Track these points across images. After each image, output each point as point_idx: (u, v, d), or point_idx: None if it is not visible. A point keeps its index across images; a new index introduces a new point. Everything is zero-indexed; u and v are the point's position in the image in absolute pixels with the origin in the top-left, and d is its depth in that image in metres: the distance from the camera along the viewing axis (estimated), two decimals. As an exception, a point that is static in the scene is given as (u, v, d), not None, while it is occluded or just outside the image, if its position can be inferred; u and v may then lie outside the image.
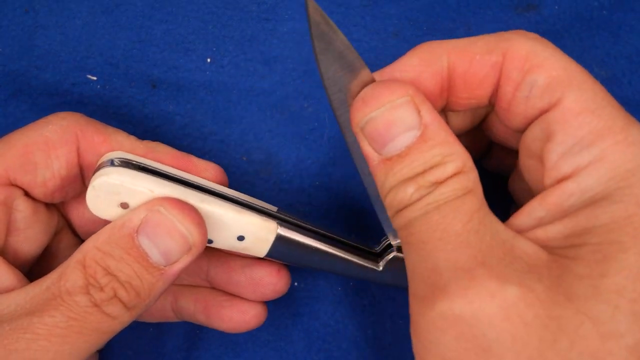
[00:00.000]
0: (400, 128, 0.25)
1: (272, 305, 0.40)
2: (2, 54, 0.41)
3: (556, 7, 0.43)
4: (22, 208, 0.31)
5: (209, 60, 0.42)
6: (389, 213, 0.27)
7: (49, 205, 0.33)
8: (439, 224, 0.24)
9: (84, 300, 0.27)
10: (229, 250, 0.33)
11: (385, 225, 0.33)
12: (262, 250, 0.32)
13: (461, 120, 0.32)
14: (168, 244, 0.28)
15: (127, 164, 0.30)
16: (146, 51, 0.42)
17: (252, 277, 0.35)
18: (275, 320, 0.40)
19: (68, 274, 0.27)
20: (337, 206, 0.42)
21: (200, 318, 0.36)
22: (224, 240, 0.31)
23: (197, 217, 0.29)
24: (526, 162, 0.29)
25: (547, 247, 0.24)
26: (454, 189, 0.25)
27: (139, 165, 0.31)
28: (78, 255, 0.28)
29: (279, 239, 0.32)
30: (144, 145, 0.33)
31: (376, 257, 0.35)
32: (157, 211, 0.28)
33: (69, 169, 0.31)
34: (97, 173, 0.30)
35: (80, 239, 0.36)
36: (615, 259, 0.22)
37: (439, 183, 0.25)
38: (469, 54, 0.28)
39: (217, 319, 0.35)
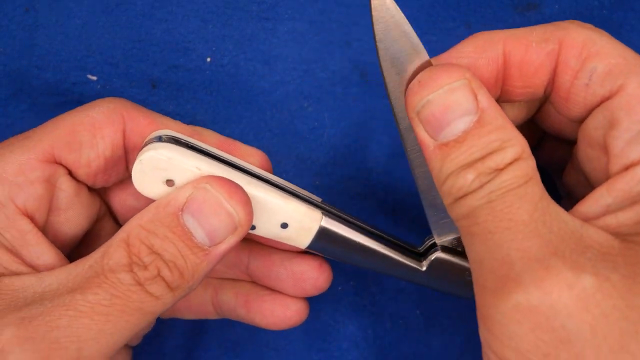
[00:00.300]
0: (457, 112, 0.25)
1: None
2: (2, 54, 0.41)
3: (556, 6, 0.43)
4: (65, 187, 0.31)
5: (209, 59, 0.42)
6: (447, 201, 0.26)
7: (91, 190, 0.33)
8: (506, 213, 0.24)
9: (127, 279, 0.27)
10: (271, 239, 0.32)
11: (432, 222, 0.32)
12: (305, 240, 0.32)
13: (515, 113, 0.32)
14: (213, 223, 0.28)
15: (176, 141, 0.30)
16: (146, 51, 0.42)
17: (293, 270, 0.34)
18: (275, 320, 0.40)
19: (111, 252, 0.27)
20: (337, 206, 0.42)
21: (241, 312, 0.35)
22: (267, 227, 0.31)
23: (244, 196, 0.28)
24: (587, 152, 0.28)
25: (618, 235, 0.24)
26: (516, 176, 0.24)
27: (187, 144, 0.30)
28: (122, 234, 0.28)
29: (322, 229, 0.31)
30: (190, 128, 0.32)
31: (419, 256, 0.34)
32: (203, 189, 0.28)
33: (113, 150, 0.31)
34: (145, 148, 0.29)
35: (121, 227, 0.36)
36: None
37: (499, 170, 0.24)
38: (525, 42, 0.28)
39: (258, 313, 0.35)
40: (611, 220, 0.25)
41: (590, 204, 0.25)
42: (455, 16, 0.43)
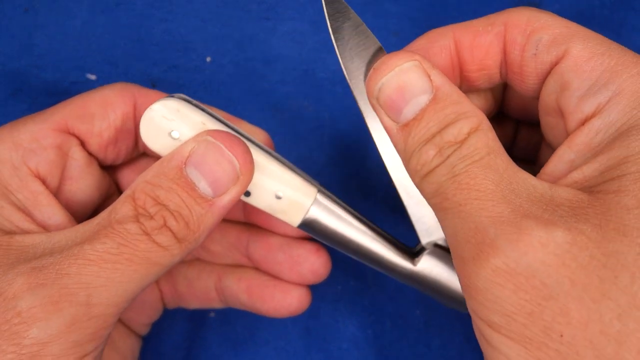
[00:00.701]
0: (412, 92, 0.26)
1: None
2: (1, 53, 0.41)
3: (557, 5, 0.43)
4: (78, 157, 0.32)
5: (208, 59, 0.42)
6: (415, 181, 0.27)
7: (102, 168, 0.34)
8: (472, 185, 0.25)
9: (134, 228, 0.27)
10: (266, 214, 0.33)
11: (417, 223, 0.33)
12: (298, 215, 0.32)
13: (482, 102, 0.33)
14: (216, 172, 0.28)
15: (186, 100, 0.31)
16: (146, 50, 0.42)
17: (290, 254, 0.35)
18: (274, 320, 0.40)
19: (118, 208, 0.28)
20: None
21: (243, 298, 0.36)
22: (262, 195, 0.31)
23: (243, 146, 0.29)
24: (547, 121, 0.29)
25: (586, 188, 0.25)
26: (476, 147, 0.25)
27: (197, 105, 0.31)
28: (128, 191, 0.29)
29: (316, 205, 0.32)
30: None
31: (411, 255, 0.34)
32: (204, 140, 0.29)
33: (124, 121, 0.32)
34: (157, 102, 0.30)
35: None
36: None
37: (459, 142, 0.25)
38: (472, 29, 0.29)
39: (259, 298, 0.36)
40: (577, 175, 0.25)
41: (555, 163, 0.26)
42: (455, 16, 0.43)
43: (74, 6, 0.42)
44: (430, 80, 0.26)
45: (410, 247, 0.34)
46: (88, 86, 0.41)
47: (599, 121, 0.25)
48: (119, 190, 0.36)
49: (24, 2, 0.42)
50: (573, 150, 0.26)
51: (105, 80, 0.41)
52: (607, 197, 0.23)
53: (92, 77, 0.41)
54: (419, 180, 0.27)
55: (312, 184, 0.32)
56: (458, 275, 0.26)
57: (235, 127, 0.32)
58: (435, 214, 0.27)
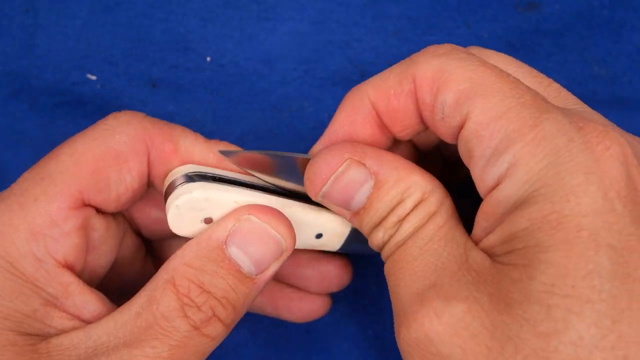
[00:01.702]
0: (353, 188, 0.27)
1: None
2: (2, 54, 0.41)
3: (557, 5, 0.43)
4: (98, 227, 0.30)
5: (208, 59, 0.42)
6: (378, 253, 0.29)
7: (115, 214, 0.32)
8: (401, 258, 0.26)
9: (183, 325, 0.26)
10: (304, 248, 0.32)
11: None
12: (337, 244, 0.32)
13: (423, 140, 0.33)
14: (261, 251, 0.28)
15: (204, 177, 0.29)
16: (146, 50, 0.42)
17: (320, 270, 0.35)
18: (275, 321, 0.40)
19: (159, 297, 0.26)
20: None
21: (268, 310, 0.36)
22: (304, 240, 0.31)
23: (286, 220, 0.29)
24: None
25: (492, 255, 0.25)
26: (417, 219, 0.26)
27: (216, 177, 0.30)
28: (164, 275, 0.27)
29: (353, 231, 0.32)
30: (214, 152, 0.31)
31: None
32: (247, 219, 0.28)
33: (140, 181, 0.30)
34: (177, 191, 0.28)
35: (142, 238, 0.35)
36: (538, 260, 0.23)
37: (402, 220, 0.27)
38: (384, 90, 0.28)
39: (285, 310, 0.36)
40: (485, 242, 0.26)
41: (475, 227, 0.27)
42: (455, 16, 0.43)
43: (74, 6, 0.42)
44: (367, 168, 0.27)
45: None
46: (88, 86, 0.41)
47: (497, 193, 0.25)
48: (130, 225, 0.34)
49: (24, 2, 0.42)
50: (484, 218, 0.26)
51: (105, 80, 0.41)
52: (502, 268, 0.24)
53: (93, 77, 0.41)
54: (376, 253, 0.28)
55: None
56: None
57: (259, 181, 0.31)
58: None
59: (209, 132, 0.41)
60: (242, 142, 0.41)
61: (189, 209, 0.28)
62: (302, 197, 0.31)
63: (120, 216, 0.33)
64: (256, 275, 0.28)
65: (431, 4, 0.43)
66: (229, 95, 0.42)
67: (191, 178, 0.29)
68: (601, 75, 0.43)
